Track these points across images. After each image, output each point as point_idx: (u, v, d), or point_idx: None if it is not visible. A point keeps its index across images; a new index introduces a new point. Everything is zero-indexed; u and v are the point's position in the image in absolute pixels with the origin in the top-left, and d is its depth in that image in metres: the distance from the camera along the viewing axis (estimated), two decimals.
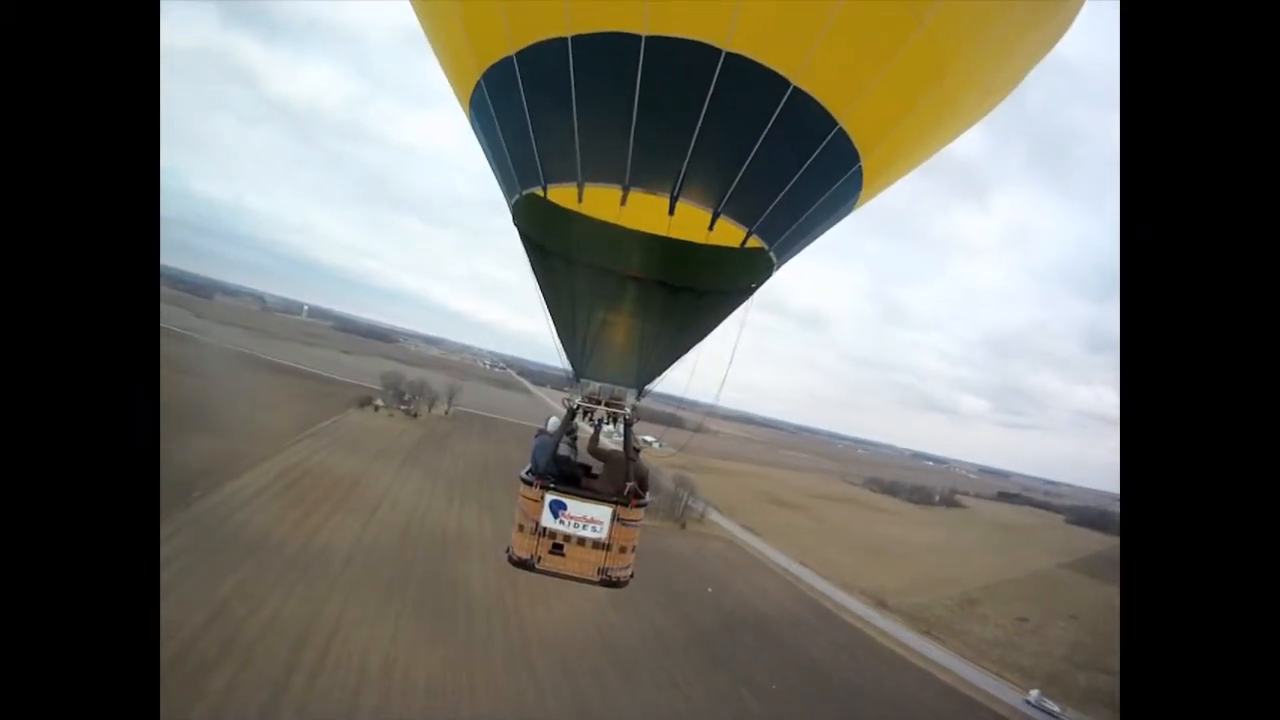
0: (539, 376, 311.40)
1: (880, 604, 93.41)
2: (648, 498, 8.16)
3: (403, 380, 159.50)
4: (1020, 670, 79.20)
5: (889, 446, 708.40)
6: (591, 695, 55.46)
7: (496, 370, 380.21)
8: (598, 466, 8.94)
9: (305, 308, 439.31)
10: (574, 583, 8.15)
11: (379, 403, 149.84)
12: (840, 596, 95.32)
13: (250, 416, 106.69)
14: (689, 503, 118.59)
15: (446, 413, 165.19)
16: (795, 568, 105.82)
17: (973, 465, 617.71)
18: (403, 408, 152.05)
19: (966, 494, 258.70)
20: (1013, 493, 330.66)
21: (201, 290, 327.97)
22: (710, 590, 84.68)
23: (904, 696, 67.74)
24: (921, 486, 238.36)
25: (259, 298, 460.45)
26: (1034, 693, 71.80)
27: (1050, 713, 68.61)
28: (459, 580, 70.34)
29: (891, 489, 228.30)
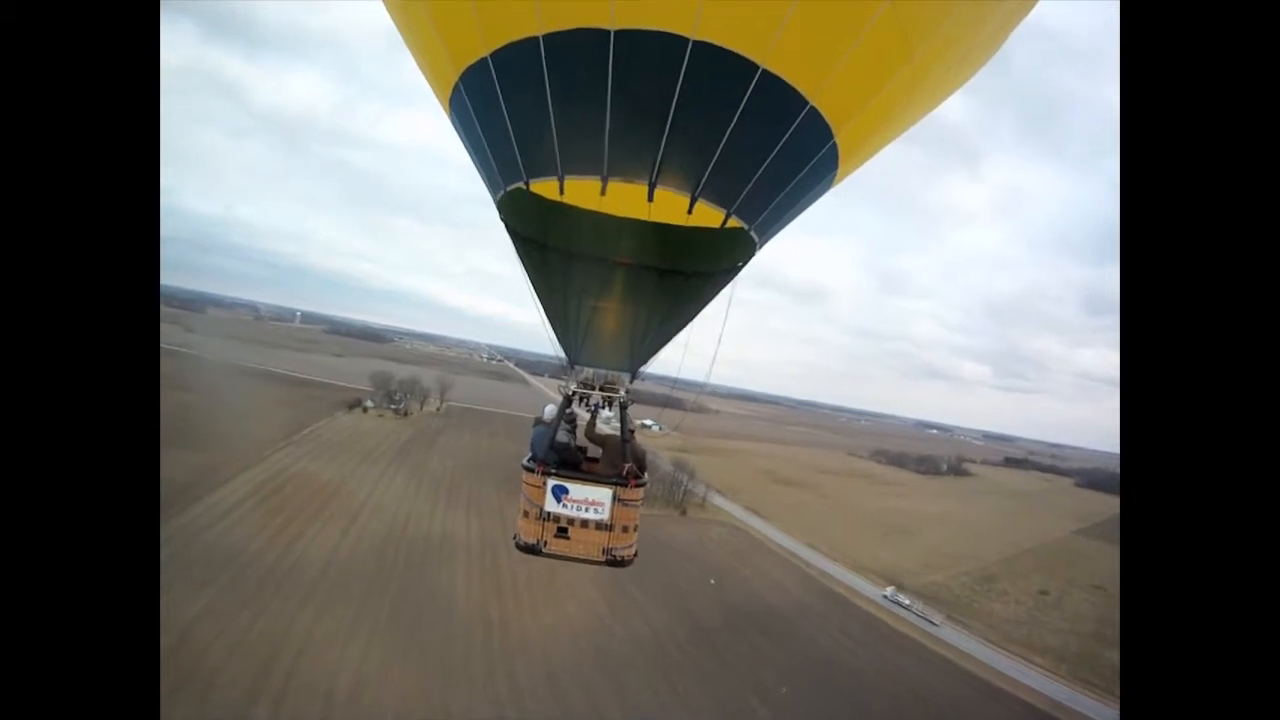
0: (536, 366, 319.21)
1: (895, 586, 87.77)
2: (646, 477, 8.17)
3: (392, 379, 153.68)
4: (1048, 652, 73.78)
5: (893, 417, 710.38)
6: (579, 712, 49.93)
7: (494, 363, 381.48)
8: (596, 450, 8.98)
9: (298, 314, 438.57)
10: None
11: (368, 404, 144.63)
12: (852, 579, 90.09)
13: (233, 427, 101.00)
14: (689, 487, 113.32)
15: (439, 409, 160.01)
16: (804, 551, 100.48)
17: (977, 432, 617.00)
18: (392, 407, 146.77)
19: (973, 461, 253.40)
20: (1019, 458, 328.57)
21: (193, 304, 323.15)
22: (713, 582, 79.17)
23: (927, 689, 62.31)
24: (928, 456, 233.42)
25: (253, 308, 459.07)
26: (890, 589, 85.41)
27: (901, 604, 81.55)
28: (439, 590, 64.79)
29: (899, 460, 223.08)
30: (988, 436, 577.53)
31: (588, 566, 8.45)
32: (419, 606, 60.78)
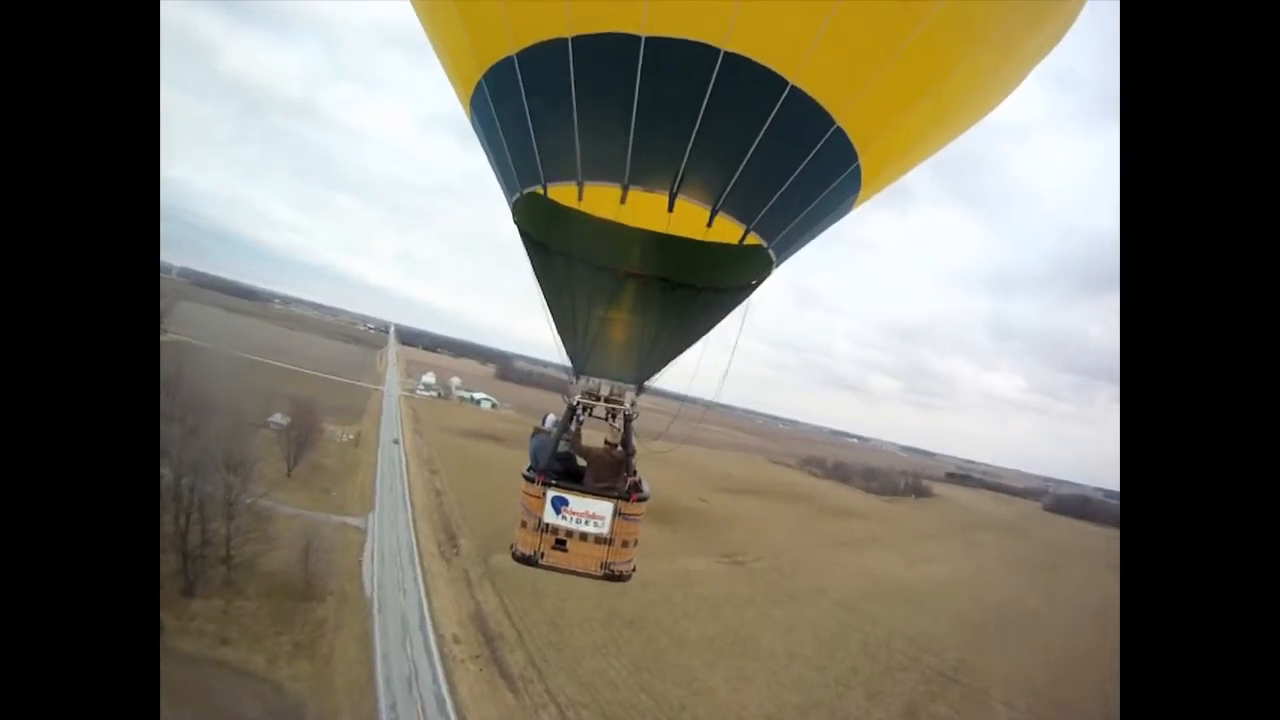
0: (415, 338, 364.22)
1: None
2: (647, 491, 7.66)
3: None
4: None
5: (807, 424, 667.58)
6: None
7: (371, 331, 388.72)
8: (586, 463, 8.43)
9: (174, 269, 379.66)
10: None
11: None
12: None
13: None
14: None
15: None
16: None
17: (895, 444, 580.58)
18: None
19: (926, 478, 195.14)
20: (960, 474, 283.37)
21: None
22: None
23: None
24: (874, 469, 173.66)
25: None
26: None
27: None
28: None
29: (840, 473, 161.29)
30: (907, 449, 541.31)
31: None
32: None
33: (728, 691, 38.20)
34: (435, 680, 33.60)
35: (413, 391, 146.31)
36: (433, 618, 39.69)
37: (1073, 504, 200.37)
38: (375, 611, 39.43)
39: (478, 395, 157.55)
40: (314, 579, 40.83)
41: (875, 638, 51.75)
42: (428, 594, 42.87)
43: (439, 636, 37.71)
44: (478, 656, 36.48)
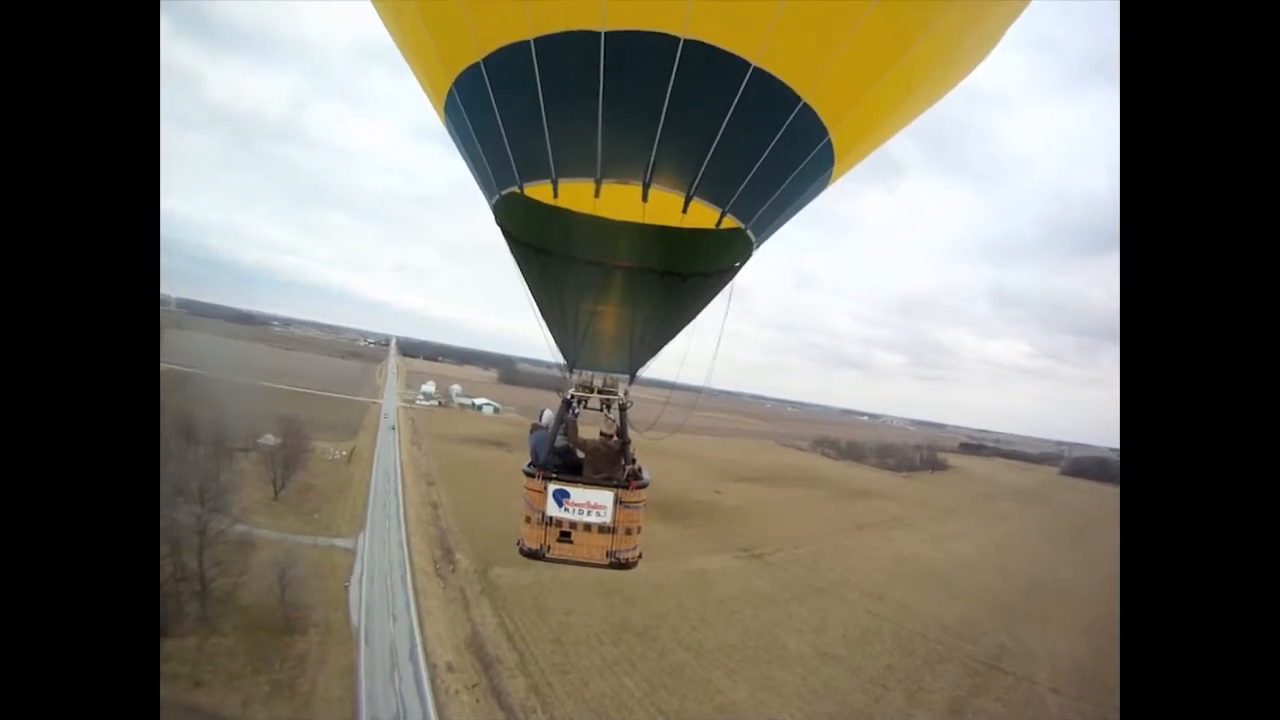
0: (416, 349, 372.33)
1: None
2: (646, 478, 7.67)
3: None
4: None
5: (816, 405, 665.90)
6: None
7: (371, 346, 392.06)
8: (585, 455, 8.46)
9: (172, 300, 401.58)
10: None
11: None
12: None
13: None
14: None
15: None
16: None
17: (906, 419, 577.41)
18: None
19: (940, 451, 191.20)
20: (975, 444, 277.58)
21: None
22: None
23: None
24: (889, 445, 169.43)
25: None
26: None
27: None
28: None
29: (855, 453, 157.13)
30: (917, 423, 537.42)
31: None
32: None
33: (753, 705, 34.52)
34: (425, 717, 30.03)
35: (412, 402, 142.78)
36: (424, 645, 36.03)
37: (1090, 466, 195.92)
38: (362, 642, 35.78)
39: (479, 401, 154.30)
40: (295, 610, 37.27)
41: (909, 629, 48.06)
42: (420, 618, 39.20)
43: (431, 666, 34.05)
44: (474, 686, 32.87)
